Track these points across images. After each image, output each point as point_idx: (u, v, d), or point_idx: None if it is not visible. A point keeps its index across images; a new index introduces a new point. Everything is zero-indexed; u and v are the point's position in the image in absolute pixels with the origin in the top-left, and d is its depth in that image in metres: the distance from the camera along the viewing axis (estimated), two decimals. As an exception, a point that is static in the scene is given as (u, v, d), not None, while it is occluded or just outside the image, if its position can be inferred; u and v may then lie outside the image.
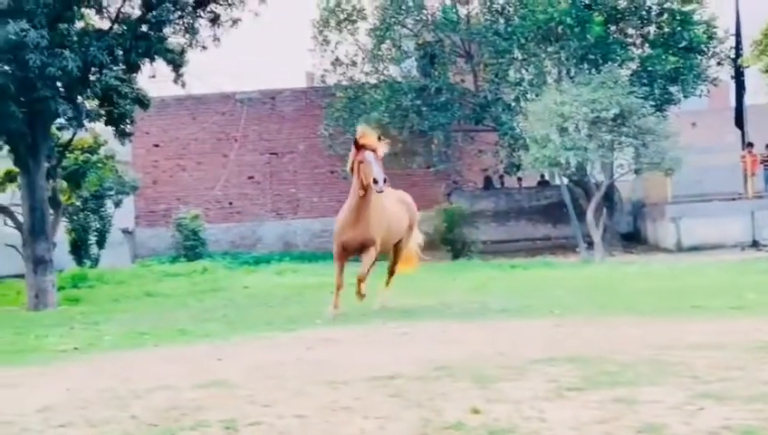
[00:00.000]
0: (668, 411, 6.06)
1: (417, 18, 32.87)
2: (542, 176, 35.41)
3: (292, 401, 6.94)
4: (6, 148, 21.11)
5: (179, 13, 19.54)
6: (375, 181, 12.92)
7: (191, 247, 32.39)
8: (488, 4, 32.18)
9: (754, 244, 28.02)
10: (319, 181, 35.39)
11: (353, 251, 14.09)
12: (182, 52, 20.53)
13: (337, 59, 33.36)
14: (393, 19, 32.05)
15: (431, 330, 11.30)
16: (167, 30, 19.70)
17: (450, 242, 30.18)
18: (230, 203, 35.85)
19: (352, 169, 13.57)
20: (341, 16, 33.18)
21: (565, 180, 29.10)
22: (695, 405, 6.19)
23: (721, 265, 21.05)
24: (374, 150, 13.34)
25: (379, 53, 32.75)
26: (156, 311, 17.13)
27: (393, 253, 15.13)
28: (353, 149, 13.56)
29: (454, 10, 32.85)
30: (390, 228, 14.33)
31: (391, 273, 15.32)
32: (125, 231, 34.56)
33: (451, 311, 13.69)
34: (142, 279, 25.36)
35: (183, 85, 21.05)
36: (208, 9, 20.12)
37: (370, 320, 12.79)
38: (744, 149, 31.58)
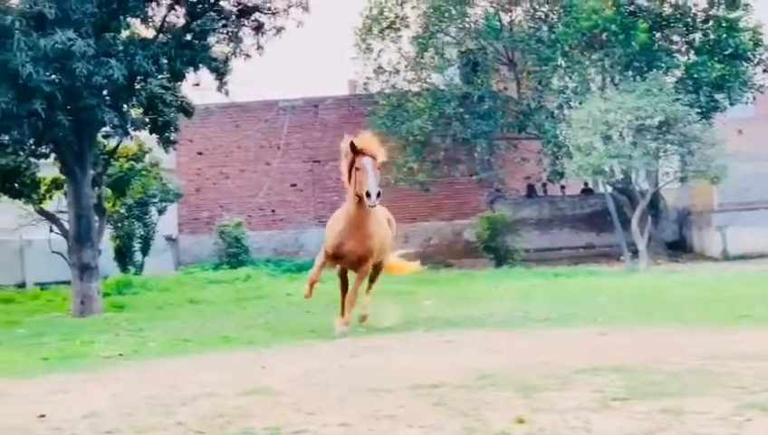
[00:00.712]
0: (715, 422, 5.99)
1: (460, 26, 32.83)
2: (586, 184, 35.18)
3: (335, 409, 6.94)
4: (53, 156, 21.37)
5: (223, 22, 19.66)
6: (368, 195, 11.96)
7: (234, 255, 32.55)
8: (532, 11, 32.08)
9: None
10: (361, 189, 35.33)
11: (348, 264, 13.07)
12: (226, 60, 20.65)
13: (380, 67, 33.39)
14: (436, 27, 32.02)
15: (474, 338, 11.26)
16: (211, 39, 19.82)
17: (493, 250, 30.10)
18: (273, 211, 35.96)
19: (349, 175, 12.50)
20: (384, 24, 33.21)
21: (609, 188, 28.90)
22: (742, 416, 6.11)
23: (768, 274, 20.76)
24: (373, 157, 12.31)
25: (422, 60, 32.75)
26: (199, 318, 17.23)
27: (373, 271, 13.78)
28: (349, 153, 12.46)
29: (497, 18, 32.75)
30: (382, 245, 13.30)
31: (371, 280, 13.99)
32: (168, 238, 34.78)
33: (494, 319, 13.64)
34: (185, 286, 25.53)
35: (227, 93, 21.16)
36: (252, 18, 20.22)
37: (413, 328, 12.76)
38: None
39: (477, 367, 8.46)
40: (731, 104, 29.72)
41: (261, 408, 7.12)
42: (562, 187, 35.80)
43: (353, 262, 12.87)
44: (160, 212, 31.63)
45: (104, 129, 20.63)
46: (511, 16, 33.13)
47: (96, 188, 22.10)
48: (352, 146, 12.31)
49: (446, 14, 32.15)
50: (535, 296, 17.56)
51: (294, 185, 36.02)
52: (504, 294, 18.53)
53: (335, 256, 12.93)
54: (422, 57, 32.65)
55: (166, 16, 19.77)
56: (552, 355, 9.15)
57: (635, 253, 26.43)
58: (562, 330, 11.89)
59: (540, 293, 18.48)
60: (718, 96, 29.33)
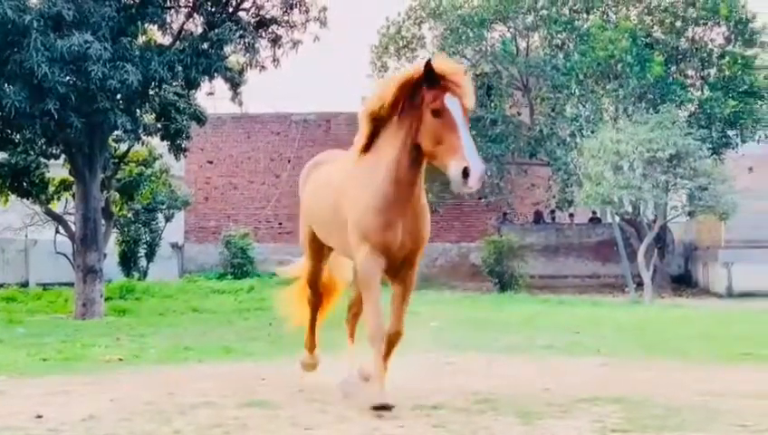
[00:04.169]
0: (716, 459, 5.94)
1: (477, 49, 32.90)
2: (594, 213, 35.15)
3: (334, 426, 6.91)
4: (63, 157, 21.41)
5: (241, 32, 19.72)
6: (466, 173, 6.96)
7: (239, 265, 32.56)
8: (548, 38, 32.13)
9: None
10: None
11: (387, 268, 7.73)
12: (241, 71, 20.75)
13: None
14: (452, 49, 32.06)
15: (476, 362, 11.21)
16: (227, 49, 19.88)
17: (498, 274, 30.06)
18: (280, 223, 35.98)
19: (400, 114, 7.53)
20: (401, 43, 33.32)
21: (617, 219, 28.87)
22: (743, 454, 6.07)
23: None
24: (459, 96, 7.26)
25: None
26: (201, 327, 17.22)
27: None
28: (409, 80, 7.46)
29: (513, 43, 32.83)
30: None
31: (356, 315, 9.17)
32: (174, 245, 34.82)
33: (497, 344, 13.58)
34: (189, 294, 25.53)
35: (240, 104, 21.26)
36: (269, 30, 20.32)
37: (415, 348, 12.72)
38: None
39: (479, 390, 8.42)
40: (743, 141, 29.74)
41: (259, 420, 7.09)
42: (571, 214, 35.76)
43: (391, 267, 7.77)
44: (167, 219, 31.68)
45: (116, 132, 20.69)
46: (527, 42, 33.21)
47: (105, 192, 22.14)
48: (429, 70, 7.27)
49: (464, 37, 32.23)
50: (539, 323, 17.52)
51: (303, 199, 36.00)
52: (507, 318, 18.49)
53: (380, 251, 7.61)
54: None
55: (184, 24, 19.86)
56: (555, 383, 9.10)
57: (639, 285, 26.39)
58: (565, 358, 11.84)
59: (544, 320, 18.43)
60: (730, 132, 29.39)
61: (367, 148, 7.83)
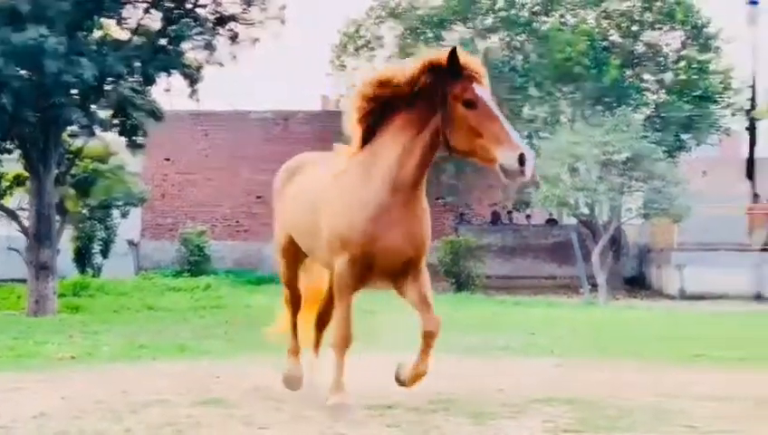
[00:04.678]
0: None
1: (436, 49, 32.91)
2: (551, 214, 35.36)
3: (289, 426, 6.90)
4: (18, 152, 21.16)
5: (199, 29, 19.62)
6: (522, 160, 6.58)
7: (195, 263, 32.34)
8: (507, 39, 32.26)
9: (758, 296, 27.86)
10: (327, 205, 35.33)
11: (382, 276, 7.42)
12: (199, 67, 20.62)
13: (353, 84, 33.45)
14: (412, 49, 32.11)
15: (431, 361, 11.22)
16: (185, 45, 19.77)
17: (454, 274, 30.09)
18: (237, 221, 35.83)
19: (405, 108, 7.03)
20: (360, 43, 33.31)
21: (573, 220, 29.07)
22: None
23: (724, 315, 20.94)
24: (484, 86, 6.96)
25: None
26: (156, 325, 17.10)
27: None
28: (428, 65, 6.93)
29: (472, 44, 32.92)
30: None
31: (323, 324, 8.74)
32: (130, 242, 34.54)
33: (453, 344, 13.57)
34: (144, 292, 25.33)
35: (198, 100, 21.15)
36: (228, 27, 20.22)
37: (370, 348, 12.72)
38: (752, 201, 31.55)
39: (433, 391, 8.43)
40: (697, 145, 30.12)
41: (212, 419, 7.05)
42: (528, 216, 35.96)
43: (393, 271, 7.33)
44: (123, 216, 31.39)
45: (71, 128, 20.49)
46: (487, 43, 33.32)
47: (59, 187, 21.90)
48: (453, 60, 6.80)
49: (422, 37, 32.27)
50: (495, 323, 17.59)
51: (260, 197, 35.84)
52: (464, 319, 18.51)
53: (364, 262, 7.18)
54: (395, 78, 32.73)
55: (141, 19, 19.71)
56: (509, 383, 9.15)
57: (594, 286, 26.59)
58: (520, 359, 11.90)
59: (500, 320, 18.52)
60: (685, 136, 29.75)
61: (362, 145, 7.25)
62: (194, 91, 20.93)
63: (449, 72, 6.75)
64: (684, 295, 28.32)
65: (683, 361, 11.87)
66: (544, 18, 31.87)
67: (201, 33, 19.76)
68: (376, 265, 7.18)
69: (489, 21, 32.69)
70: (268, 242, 35.52)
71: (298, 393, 8.28)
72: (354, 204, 7.05)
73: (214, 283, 28.11)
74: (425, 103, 6.87)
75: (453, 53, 6.72)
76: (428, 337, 7.41)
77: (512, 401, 8.00)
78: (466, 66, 6.81)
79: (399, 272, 7.27)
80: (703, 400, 8.34)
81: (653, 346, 13.69)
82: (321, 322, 8.69)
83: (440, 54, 6.87)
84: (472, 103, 6.69)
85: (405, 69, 6.97)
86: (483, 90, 6.78)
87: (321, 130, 35.33)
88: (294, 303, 8.73)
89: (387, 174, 6.96)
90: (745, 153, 34.44)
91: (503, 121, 6.67)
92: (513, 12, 31.82)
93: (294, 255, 8.45)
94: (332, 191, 7.30)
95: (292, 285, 8.74)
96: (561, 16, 31.78)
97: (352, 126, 7.29)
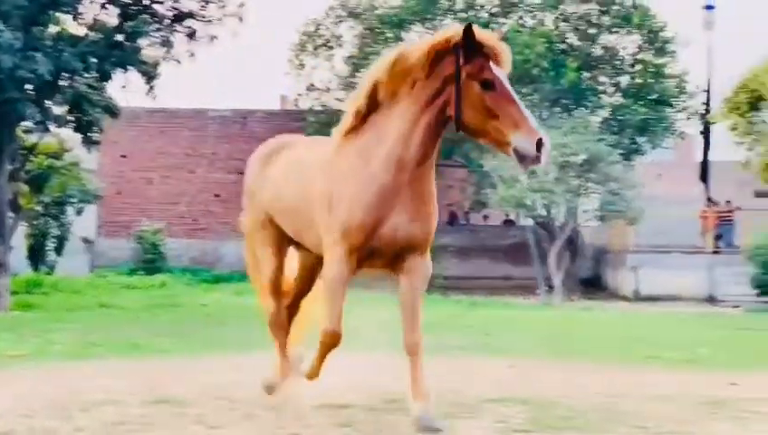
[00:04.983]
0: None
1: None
2: (508, 215, 35.52)
3: (239, 425, 6.86)
4: (-29, 147, 20.91)
5: (157, 25, 19.53)
6: (540, 144, 6.31)
7: (150, 261, 32.15)
8: (466, 41, 32.33)
9: (710, 298, 28.18)
10: (285, 204, 35.26)
11: (383, 259, 7.06)
12: (156, 64, 20.49)
13: (312, 84, 33.41)
14: (370, 49, 32.15)
15: (387, 361, 11.23)
16: (142, 41, 19.65)
17: (411, 275, 30.06)
18: (194, 219, 35.64)
19: (413, 86, 6.61)
20: (319, 42, 33.27)
21: (530, 222, 29.22)
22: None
23: (677, 317, 21.17)
24: (502, 66, 6.57)
25: (354, 80, 32.81)
26: (110, 323, 16.96)
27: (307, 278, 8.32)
28: (442, 42, 6.50)
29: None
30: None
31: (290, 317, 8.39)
32: (85, 240, 34.22)
33: (407, 344, 13.62)
34: (98, 290, 25.12)
35: (154, 97, 21.00)
36: (186, 24, 20.12)
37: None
38: (705, 205, 31.90)
39: (388, 390, 8.44)
40: (653, 148, 30.42)
41: (165, 418, 7.00)
42: (485, 216, 36.09)
43: (392, 256, 7.02)
44: (78, 213, 31.10)
45: (25, 123, 20.28)
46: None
47: (12, 184, 21.66)
48: (469, 36, 6.37)
49: (381, 37, 32.30)
50: (451, 324, 17.61)
51: (218, 195, 35.73)
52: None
53: (364, 245, 6.75)
54: (354, 77, 32.74)
55: (98, 15, 19.55)
56: (463, 384, 9.17)
57: (551, 287, 26.75)
58: (475, 359, 11.93)
59: (456, 321, 18.56)
60: (641, 139, 30.04)
61: (361, 123, 6.80)
62: (151, 88, 20.79)
63: (466, 49, 6.36)
64: (638, 297, 28.58)
65: (636, 361, 11.99)
66: (503, 20, 31.99)
67: (158, 30, 19.66)
68: (377, 251, 6.81)
69: (448, 21, 32.74)
70: (225, 240, 35.52)
71: (251, 393, 8.23)
72: (355, 187, 6.60)
73: (169, 281, 27.96)
74: (433, 79, 6.52)
75: (468, 29, 6.33)
76: (409, 352, 7.32)
77: (465, 401, 8.04)
78: (484, 43, 6.40)
79: (402, 256, 6.94)
80: (654, 400, 8.42)
81: (607, 347, 13.80)
82: (289, 314, 8.25)
83: (449, 34, 6.45)
84: (490, 84, 6.33)
85: (419, 50, 6.52)
86: (499, 70, 6.42)
87: (279, 128, 35.16)
88: (282, 293, 8.18)
89: (389, 152, 6.56)
90: (700, 157, 34.78)
91: (520, 105, 6.34)
92: (471, 13, 31.92)
93: (280, 238, 7.87)
94: (330, 172, 6.83)
95: (280, 273, 8.10)
96: (520, 18, 31.95)
97: (357, 104, 6.85)
